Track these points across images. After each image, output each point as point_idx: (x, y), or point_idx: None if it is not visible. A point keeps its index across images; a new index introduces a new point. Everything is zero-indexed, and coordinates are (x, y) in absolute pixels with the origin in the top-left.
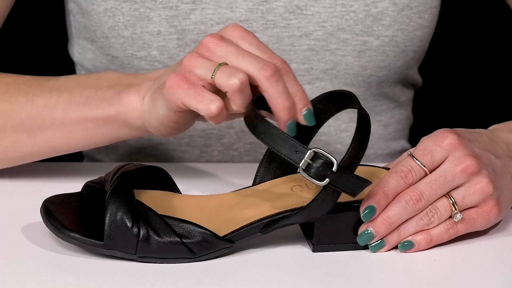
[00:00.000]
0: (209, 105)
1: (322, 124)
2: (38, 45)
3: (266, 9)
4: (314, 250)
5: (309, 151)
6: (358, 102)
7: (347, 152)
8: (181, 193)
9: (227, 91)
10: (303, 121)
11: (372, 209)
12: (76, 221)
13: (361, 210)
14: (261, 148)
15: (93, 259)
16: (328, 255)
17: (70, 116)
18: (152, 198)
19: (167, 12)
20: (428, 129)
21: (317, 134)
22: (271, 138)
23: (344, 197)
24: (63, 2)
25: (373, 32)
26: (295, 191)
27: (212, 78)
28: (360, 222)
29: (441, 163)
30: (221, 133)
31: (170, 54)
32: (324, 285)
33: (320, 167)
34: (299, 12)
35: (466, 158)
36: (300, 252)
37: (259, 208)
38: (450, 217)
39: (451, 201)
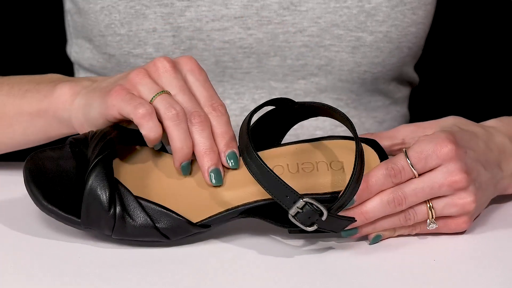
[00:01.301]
0: (137, 107)
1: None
2: (37, 45)
3: (261, 6)
4: (290, 232)
5: (300, 200)
6: (358, 142)
7: (340, 197)
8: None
9: (162, 118)
10: (226, 163)
11: (352, 202)
12: (56, 188)
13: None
14: None
15: (92, 258)
16: (326, 255)
17: (8, 108)
18: (131, 172)
19: (163, 9)
20: None
21: (312, 128)
22: (264, 178)
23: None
24: (62, 2)
25: (367, 28)
26: (277, 172)
27: (151, 101)
28: None
29: (432, 169)
30: None
31: (165, 51)
32: (323, 285)
33: (310, 216)
34: (294, 8)
35: (457, 173)
36: (297, 251)
37: (239, 192)
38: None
39: (430, 210)
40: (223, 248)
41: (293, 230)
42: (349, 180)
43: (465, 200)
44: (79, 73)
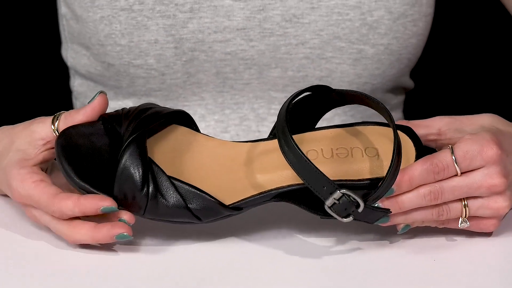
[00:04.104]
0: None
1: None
2: (31, 46)
3: (263, 18)
4: (322, 218)
5: (338, 191)
6: (395, 129)
7: (377, 188)
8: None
9: None
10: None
11: (390, 191)
12: (88, 164)
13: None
14: None
15: (92, 258)
16: (325, 255)
17: None
18: (164, 152)
19: (165, 21)
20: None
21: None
22: (301, 167)
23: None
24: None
25: (369, 40)
26: (310, 157)
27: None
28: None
29: (472, 170)
30: (217, 138)
31: (167, 63)
32: (323, 284)
33: (346, 208)
34: (296, 20)
35: (497, 177)
36: (296, 251)
37: (273, 175)
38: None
39: (464, 208)
40: (223, 247)
41: (325, 218)
42: (387, 173)
43: (500, 204)
44: (75, 78)
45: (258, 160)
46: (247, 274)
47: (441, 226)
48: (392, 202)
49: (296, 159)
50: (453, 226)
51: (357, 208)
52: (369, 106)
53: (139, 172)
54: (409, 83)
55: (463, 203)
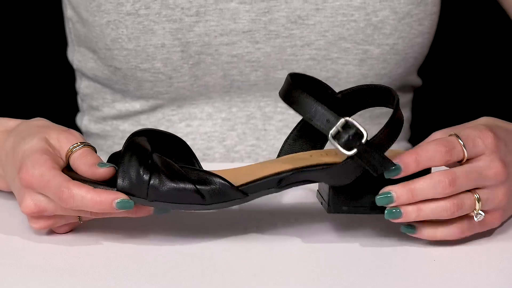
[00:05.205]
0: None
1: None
2: (38, 47)
3: (269, 20)
4: (328, 211)
5: (341, 119)
6: (398, 102)
7: (378, 133)
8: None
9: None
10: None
11: (398, 169)
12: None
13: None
14: (262, 151)
15: (92, 257)
16: (325, 254)
17: None
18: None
19: (171, 25)
20: (427, 129)
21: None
22: (302, 107)
23: None
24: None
25: (374, 41)
26: (323, 158)
27: None
28: (378, 187)
29: (475, 157)
30: (223, 136)
31: (174, 66)
32: (323, 284)
33: (350, 137)
34: (301, 22)
35: (499, 164)
36: (296, 250)
37: (277, 166)
38: (466, 215)
39: (477, 202)
40: (223, 247)
41: (331, 210)
42: (389, 119)
43: (502, 194)
44: (82, 80)
45: (264, 164)
46: (246, 274)
47: (454, 215)
48: (404, 190)
49: (300, 99)
50: (464, 212)
51: (361, 139)
52: (372, 100)
53: (142, 152)
54: (417, 81)
55: (475, 196)
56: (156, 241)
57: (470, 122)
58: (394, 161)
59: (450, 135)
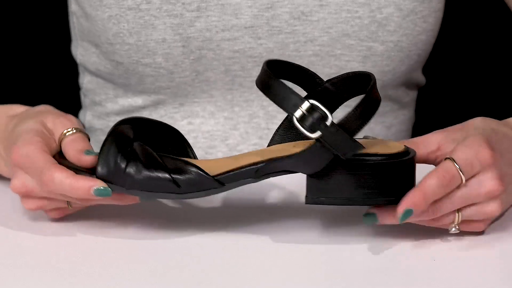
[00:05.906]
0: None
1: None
2: (42, 42)
3: (271, 15)
4: (306, 202)
5: (305, 102)
6: (374, 83)
7: (348, 113)
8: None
9: None
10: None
11: (409, 212)
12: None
13: (399, 211)
14: None
15: (91, 256)
16: (325, 255)
17: None
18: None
19: (172, 20)
20: (430, 128)
21: None
22: (273, 91)
23: None
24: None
25: (378, 37)
26: (293, 148)
27: None
28: (357, 178)
29: (471, 177)
30: (226, 135)
31: (175, 61)
32: (322, 284)
33: (315, 120)
34: (304, 18)
35: (494, 182)
36: (296, 249)
37: (255, 157)
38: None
39: (458, 214)
40: (223, 246)
41: (308, 200)
42: (361, 101)
43: (494, 208)
44: (85, 75)
45: (243, 154)
46: (246, 274)
47: (431, 225)
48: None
49: (271, 84)
50: (443, 227)
51: (325, 121)
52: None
53: (122, 140)
54: (421, 78)
55: (457, 214)
56: (156, 241)
57: (465, 123)
58: (405, 205)
59: (446, 158)
